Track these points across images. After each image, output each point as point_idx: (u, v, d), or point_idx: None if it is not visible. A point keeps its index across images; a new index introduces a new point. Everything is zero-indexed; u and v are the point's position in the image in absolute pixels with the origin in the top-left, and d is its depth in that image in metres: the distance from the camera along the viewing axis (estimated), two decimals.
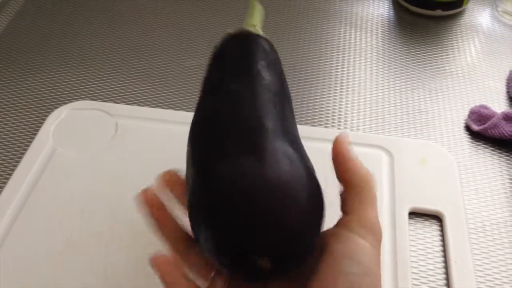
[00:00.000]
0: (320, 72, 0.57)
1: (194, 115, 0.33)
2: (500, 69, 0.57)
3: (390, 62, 0.59)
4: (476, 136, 0.50)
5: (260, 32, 0.36)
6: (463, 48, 0.60)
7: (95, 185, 0.45)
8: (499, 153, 0.49)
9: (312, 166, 0.29)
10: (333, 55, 0.59)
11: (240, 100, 0.31)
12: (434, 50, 0.60)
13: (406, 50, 0.60)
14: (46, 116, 0.51)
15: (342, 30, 0.63)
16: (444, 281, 0.39)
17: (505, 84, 0.56)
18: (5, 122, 0.52)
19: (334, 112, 0.53)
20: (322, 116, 0.52)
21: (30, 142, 0.48)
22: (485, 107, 0.51)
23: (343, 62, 0.59)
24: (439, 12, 0.63)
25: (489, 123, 0.49)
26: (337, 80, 0.56)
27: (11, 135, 0.50)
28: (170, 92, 0.55)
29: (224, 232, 0.26)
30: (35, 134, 0.49)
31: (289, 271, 0.27)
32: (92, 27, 0.63)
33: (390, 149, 0.47)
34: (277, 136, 0.29)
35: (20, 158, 0.47)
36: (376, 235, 0.28)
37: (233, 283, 0.30)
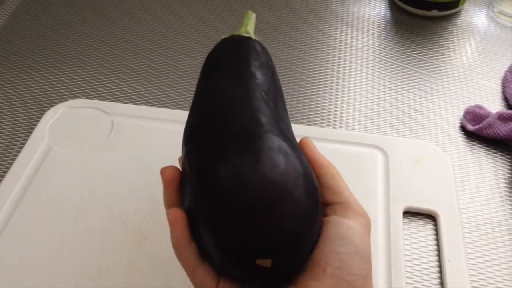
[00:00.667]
0: (316, 72, 0.57)
1: (189, 117, 0.33)
2: (495, 70, 0.58)
3: (386, 62, 0.59)
4: (471, 136, 0.50)
5: (253, 36, 0.37)
6: (459, 48, 0.61)
7: (91, 183, 0.45)
8: (494, 153, 0.49)
9: (306, 160, 0.30)
10: (329, 55, 0.60)
11: (235, 101, 0.31)
12: (430, 50, 0.60)
13: (402, 50, 0.60)
14: (42, 114, 0.51)
15: (338, 30, 0.63)
16: (438, 280, 0.40)
17: (501, 84, 0.56)
18: (0, 120, 0.51)
19: (329, 112, 0.53)
20: (318, 115, 0.52)
21: (26, 140, 0.48)
22: (480, 107, 0.52)
23: (339, 62, 0.59)
24: (435, 13, 0.64)
25: (484, 123, 0.49)
26: (333, 80, 0.56)
27: (6, 133, 0.50)
28: (166, 90, 0.55)
29: (224, 233, 0.26)
30: (30, 132, 0.49)
31: (290, 271, 0.28)
32: (88, 25, 0.63)
33: (385, 149, 0.47)
34: (272, 134, 0.29)
35: (16, 156, 0.47)
36: (364, 217, 0.30)
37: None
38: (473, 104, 0.53)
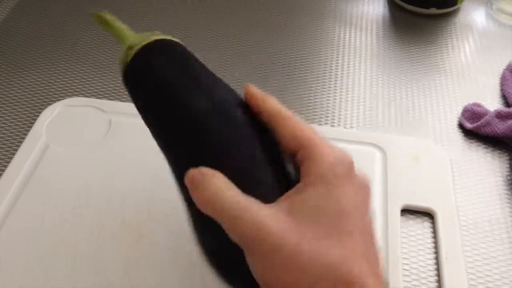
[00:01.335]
0: (315, 70, 0.57)
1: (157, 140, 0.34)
2: (494, 67, 0.58)
3: (385, 59, 0.59)
4: (469, 134, 0.50)
5: (137, 41, 0.35)
6: (458, 46, 0.61)
7: (88, 182, 0.45)
8: (492, 151, 0.49)
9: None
10: (327, 53, 0.59)
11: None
12: (429, 48, 0.60)
13: (401, 48, 0.60)
14: (40, 112, 0.51)
15: (336, 27, 0.63)
16: (436, 278, 0.40)
17: (499, 82, 0.56)
18: None
19: (328, 110, 0.53)
20: (316, 113, 0.52)
21: (23, 138, 0.48)
22: (478, 105, 0.52)
23: (337, 60, 0.59)
24: (433, 10, 0.64)
25: (482, 121, 0.49)
26: (331, 78, 0.56)
27: (4, 131, 0.50)
28: None
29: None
30: (28, 131, 0.49)
31: None
32: (86, 24, 0.63)
33: (383, 146, 0.47)
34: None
35: (13, 154, 0.47)
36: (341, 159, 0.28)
37: None
38: (471, 102, 0.53)
